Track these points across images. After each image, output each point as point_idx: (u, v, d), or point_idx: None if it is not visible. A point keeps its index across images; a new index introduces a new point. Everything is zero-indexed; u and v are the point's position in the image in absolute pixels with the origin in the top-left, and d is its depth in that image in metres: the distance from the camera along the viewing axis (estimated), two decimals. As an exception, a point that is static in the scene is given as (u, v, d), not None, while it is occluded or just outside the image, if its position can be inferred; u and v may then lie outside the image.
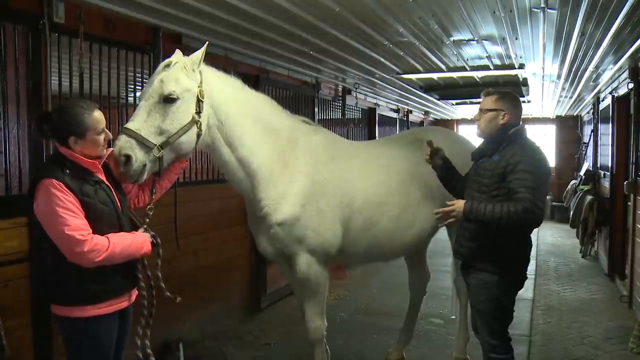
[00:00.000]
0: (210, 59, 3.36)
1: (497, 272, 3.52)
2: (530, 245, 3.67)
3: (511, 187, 3.33)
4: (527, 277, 3.68)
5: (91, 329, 2.87)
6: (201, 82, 3.29)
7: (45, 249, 2.91)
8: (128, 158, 2.95)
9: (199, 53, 3.30)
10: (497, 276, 3.52)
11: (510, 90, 3.73)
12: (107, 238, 2.79)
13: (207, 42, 3.41)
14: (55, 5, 3.84)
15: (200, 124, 3.27)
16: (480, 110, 3.67)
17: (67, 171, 2.76)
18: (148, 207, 3.25)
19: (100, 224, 2.82)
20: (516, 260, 3.58)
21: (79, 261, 2.71)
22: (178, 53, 3.34)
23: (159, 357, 4.86)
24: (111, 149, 3.08)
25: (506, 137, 3.51)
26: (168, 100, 3.10)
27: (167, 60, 3.24)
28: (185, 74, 3.21)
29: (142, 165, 3.02)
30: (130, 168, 2.97)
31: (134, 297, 3.12)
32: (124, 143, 2.96)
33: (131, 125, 3.02)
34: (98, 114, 2.88)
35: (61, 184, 2.70)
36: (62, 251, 2.73)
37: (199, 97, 3.25)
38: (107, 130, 2.96)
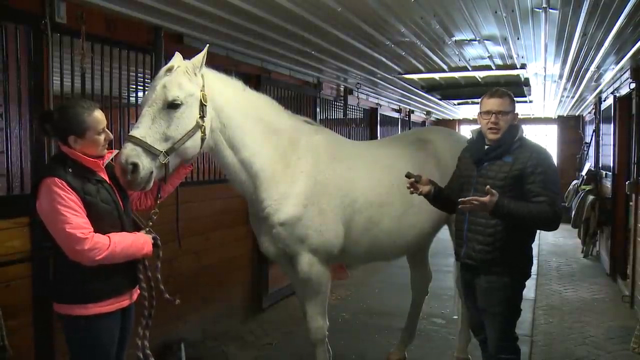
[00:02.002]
0: (212, 59, 3.35)
1: (509, 274, 3.53)
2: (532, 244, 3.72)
3: (532, 190, 3.37)
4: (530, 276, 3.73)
5: (93, 327, 2.88)
6: (203, 86, 3.28)
7: (47, 248, 2.92)
8: (135, 166, 2.94)
9: (200, 56, 3.28)
10: (509, 277, 3.54)
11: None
12: (108, 237, 2.80)
13: (208, 45, 3.39)
14: (56, 5, 3.85)
15: (204, 128, 3.26)
16: (498, 112, 3.53)
17: (70, 170, 2.78)
18: (152, 211, 3.24)
19: (101, 222, 2.84)
20: (526, 260, 3.62)
21: (79, 259, 2.73)
22: (178, 56, 3.32)
23: (160, 357, 4.87)
24: (114, 151, 3.08)
25: (520, 140, 3.54)
26: (172, 106, 3.09)
27: (168, 65, 3.22)
28: (187, 78, 3.19)
29: (149, 173, 3.01)
30: (137, 176, 2.96)
31: (135, 296, 3.14)
32: (130, 151, 2.95)
33: (136, 132, 3.01)
34: (98, 114, 2.89)
35: (63, 182, 2.71)
36: (63, 249, 2.75)
37: (202, 101, 3.24)
38: (108, 131, 2.97)
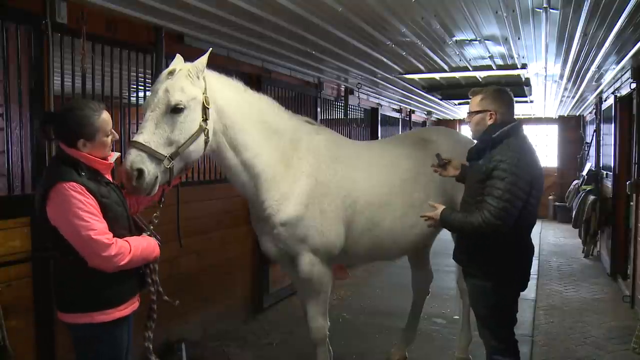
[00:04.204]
0: (212, 59, 3.34)
1: (490, 279, 3.45)
2: (529, 251, 3.56)
3: (483, 194, 3.27)
4: (527, 281, 3.59)
5: (112, 334, 2.85)
6: (205, 89, 3.27)
7: (51, 254, 2.86)
8: (140, 172, 2.94)
9: (203, 59, 3.27)
10: (491, 282, 3.45)
11: (498, 87, 3.58)
12: (127, 241, 2.77)
13: (211, 49, 3.38)
14: (57, 6, 3.85)
15: (208, 131, 3.27)
16: (468, 112, 3.60)
17: (83, 173, 2.72)
18: (154, 215, 3.22)
19: (116, 225, 2.80)
20: (510, 267, 3.46)
21: (103, 265, 2.67)
22: (179, 59, 3.32)
23: (161, 357, 4.86)
24: (114, 153, 3.07)
25: (491, 140, 3.38)
26: (175, 110, 3.08)
27: (169, 68, 3.22)
28: (190, 81, 3.18)
29: (154, 178, 3.01)
30: (143, 182, 2.95)
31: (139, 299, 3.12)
32: (135, 157, 2.94)
33: (140, 138, 3.00)
34: (106, 115, 2.85)
35: (82, 187, 2.65)
36: (84, 256, 2.66)
37: (205, 104, 3.23)
38: (114, 131, 2.94)
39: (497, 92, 3.52)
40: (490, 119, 3.46)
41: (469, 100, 3.66)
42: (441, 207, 3.48)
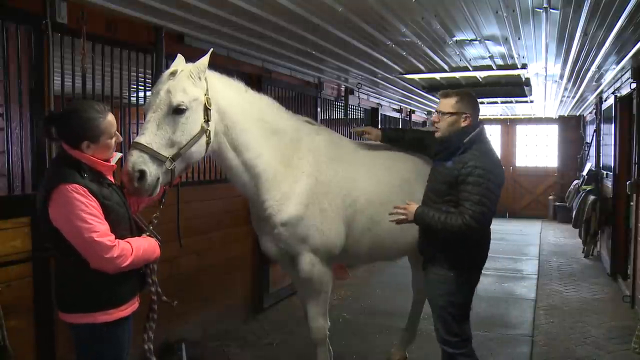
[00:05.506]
0: (212, 59, 3.35)
1: (452, 268, 3.56)
2: (488, 240, 3.72)
3: (459, 197, 3.39)
4: (481, 273, 3.79)
5: (114, 334, 2.84)
6: (207, 90, 3.27)
7: (48, 249, 2.86)
8: (142, 173, 2.94)
9: (205, 60, 3.27)
10: (452, 272, 3.56)
11: (469, 91, 3.69)
12: (129, 243, 2.77)
13: (212, 49, 3.37)
14: (57, 5, 3.85)
15: (209, 132, 3.27)
16: (439, 112, 3.65)
17: (85, 175, 2.71)
18: (154, 215, 3.21)
19: (119, 226, 2.80)
20: (471, 257, 3.62)
21: (105, 267, 2.67)
22: (180, 59, 3.31)
23: (161, 357, 4.86)
24: (116, 154, 3.06)
25: (462, 144, 3.47)
26: (177, 111, 3.08)
27: (171, 69, 3.21)
28: (191, 82, 3.18)
29: (156, 179, 3.01)
30: (145, 183, 2.95)
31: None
32: (137, 158, 2.94)
33: (142, 139, 3.00)
34: (111, 118, 2.84)
35: (85, 189, 2.64)
36: (87, 257, 2.66)
37: (206, 105, 3.23)
38: (118, 133, 2.94)
39: (470, 96, 3.65)
40: (464, 121, 3.56)
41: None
42: (415, 205, 3.56)
